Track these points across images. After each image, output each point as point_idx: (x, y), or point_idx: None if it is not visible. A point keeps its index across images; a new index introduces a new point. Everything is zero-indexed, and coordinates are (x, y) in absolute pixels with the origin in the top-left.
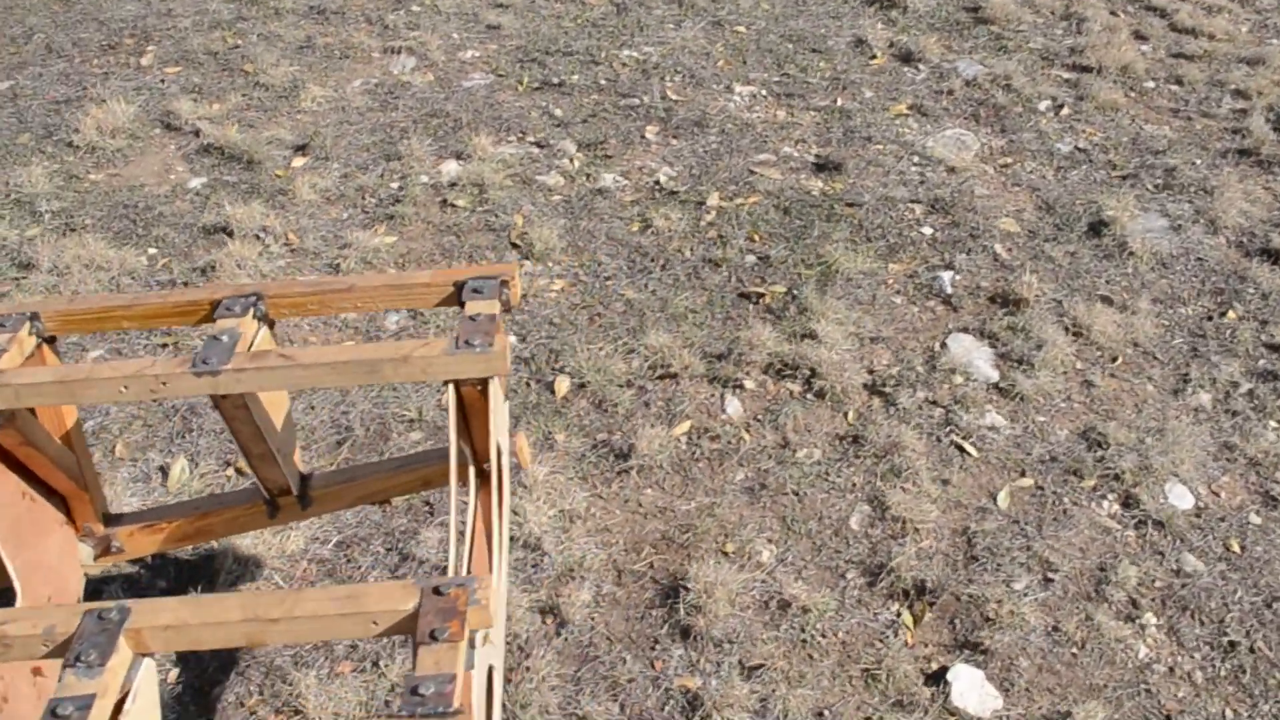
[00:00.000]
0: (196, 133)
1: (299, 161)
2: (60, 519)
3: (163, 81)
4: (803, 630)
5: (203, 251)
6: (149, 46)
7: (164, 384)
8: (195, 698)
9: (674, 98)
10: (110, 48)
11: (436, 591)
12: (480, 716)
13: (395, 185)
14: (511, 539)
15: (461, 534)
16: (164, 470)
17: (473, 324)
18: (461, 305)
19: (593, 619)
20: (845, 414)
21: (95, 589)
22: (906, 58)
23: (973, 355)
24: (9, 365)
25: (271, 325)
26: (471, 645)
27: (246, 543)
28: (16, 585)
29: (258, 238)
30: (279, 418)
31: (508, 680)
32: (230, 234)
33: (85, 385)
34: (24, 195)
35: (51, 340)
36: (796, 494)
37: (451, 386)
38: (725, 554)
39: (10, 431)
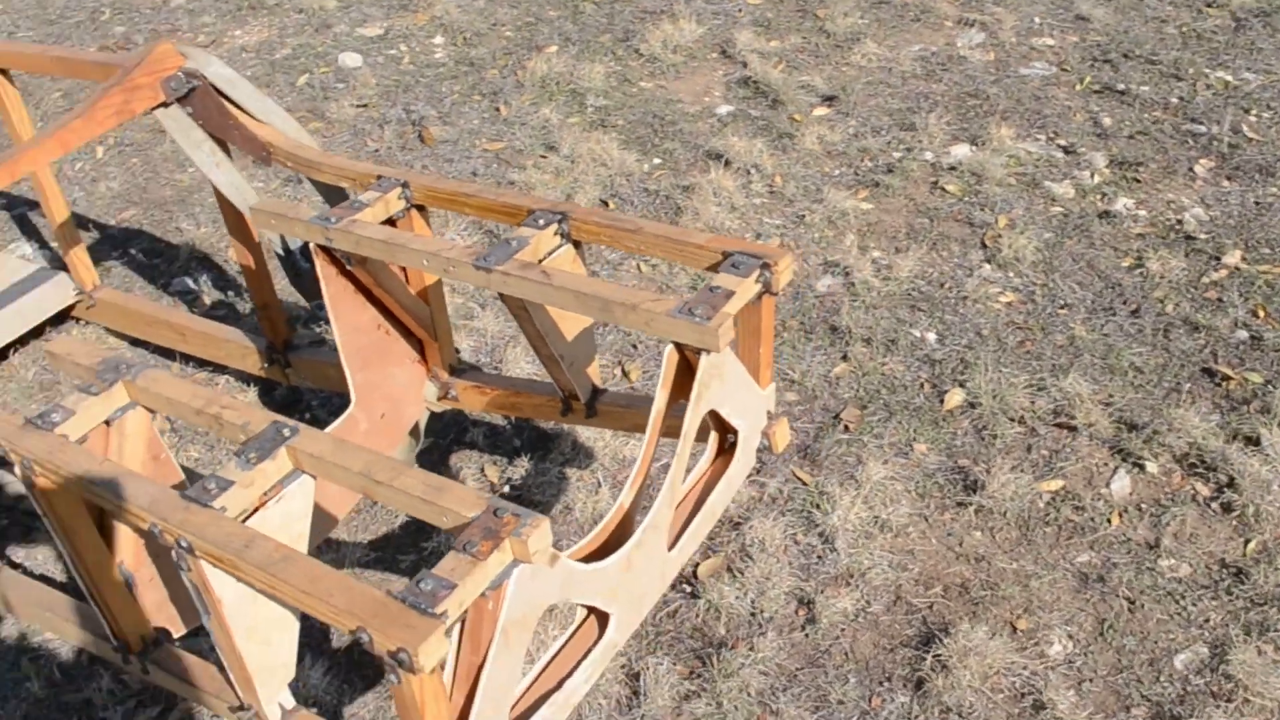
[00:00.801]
0: (744, 64)
1: (819, 111)
2: (413, 356)
3: (739, 10)
4: None
5: (697, 173)
6: None
7: (452, 268)
8: None
9: (1249, 135)
10: None
11: (495, 513)
12: (510, 652)
13: (896, 155)
14: (814, 526)
15: (630, 485)
16: None
17: (708, 294)
18: (715, 272)
19: (842, 629)
20: (1245, 541)
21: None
22: None
23: None
24: (368, 219)
25: (577, 246)
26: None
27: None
28: (352, 395)
29: (747, 173)
30: (571, 329)
31: (732, 647)
32: (727, 162)
33: (398, 250)
34: (580, 87)
35: (422, 209)
36: (1132, 602)
37: (671, 347)
38: (1013, 628)
39: (363, 271)
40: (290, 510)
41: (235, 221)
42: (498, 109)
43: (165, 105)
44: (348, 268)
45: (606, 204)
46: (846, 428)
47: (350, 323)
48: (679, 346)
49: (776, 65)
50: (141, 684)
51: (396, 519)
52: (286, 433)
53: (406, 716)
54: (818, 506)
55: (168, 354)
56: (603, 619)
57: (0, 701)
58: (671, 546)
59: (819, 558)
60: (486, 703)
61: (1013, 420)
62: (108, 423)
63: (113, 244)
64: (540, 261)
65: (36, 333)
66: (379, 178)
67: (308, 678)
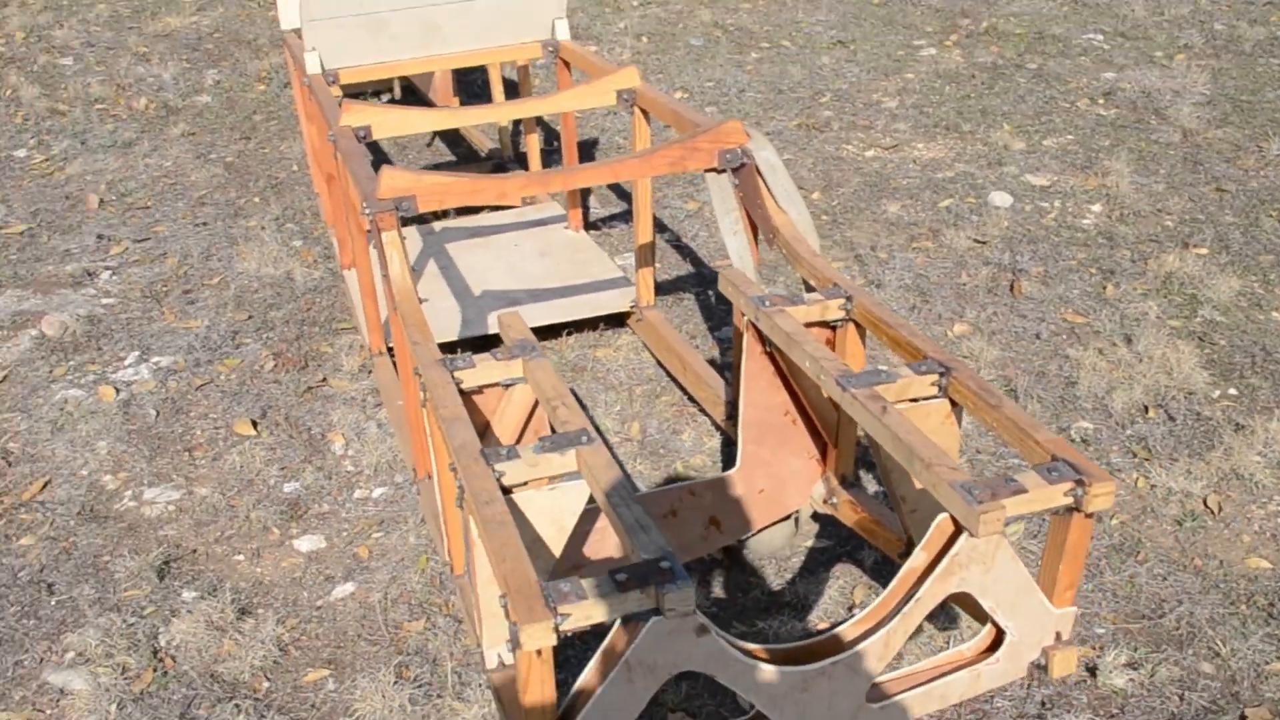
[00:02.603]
0: None
1: None
2: (813, 453)
3: None
4: None
5: (1260, 415)
6: None
7: (822, 375)
8: None
9: None
10: None
11: (659, 561)
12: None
13: None
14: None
15: None
16: None
17: (1001, 483)
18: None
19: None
20: None
21: None
22: None
23: None
24: (797, 314)
25: (955, 405)
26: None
27: None
28: (738, 460)
29: None
30: None
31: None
32: None
33: (793, 344)
34: (1202, 296)
35: (860, 327)
36: None
37: (945, 515)
38: None
39: (783, 358)
40: (559, 504)
41: None
42: (1105, 287)
43: (717, 171)
44: (768, 349)
45: (1147, 409)
46: None
47: (757, 399)
48: (953, 519)
49: None
50: None
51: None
52: (585, 440)
53: (519, 685)
54: None
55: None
56: None
57: None
58: (875, 702)
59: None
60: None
61: None
62: (506, 386)
63: (696, 282)
64: (899, 402)
65: (593, 324)
66: (835, 285)
67: None
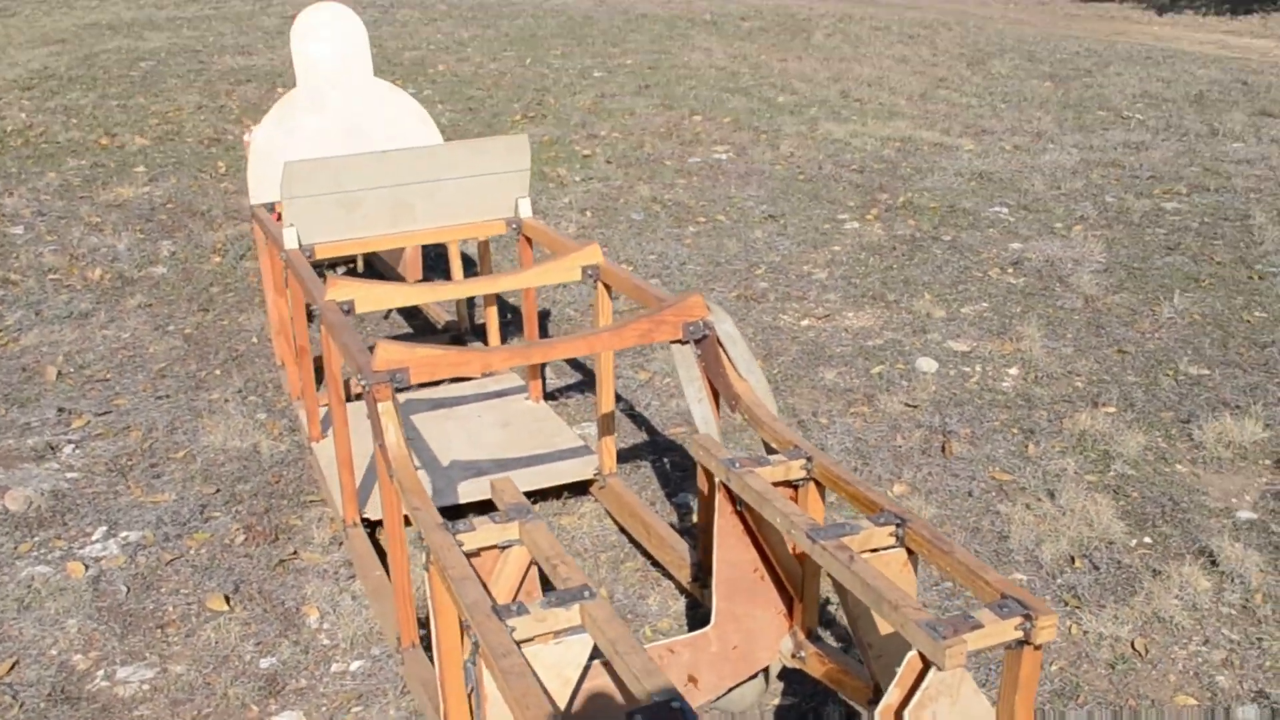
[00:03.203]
0: None
1: None
2: (780, 608)
3: None
4: None
5: (1174, 562)
6: None
7: (792, 530)
8: None
9: None
10: None
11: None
12: None
13: None
14: None
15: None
16: None
17: (962, 620)
18: None
19: None
20: None
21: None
22: None
23: None
24: (764, 474)
25: (911, 554)
26: None
27: None
28: (712, 618)
29: (1231, 578)
30: (886, 625)
31: None
32: (1213, 562)
33: (764, 503)
34: (1113, 451)
35: (820, 486)
36: None
37: (914, 653)
38: None
39: (752, 517)
40: (565, 657)
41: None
42: (1027, 446)
43: (681, 342)
44: (738, 509)
45: (1073, 560)
46: None
47: (729, 556)
48: (921, 655)
49: None
50: None
51: None
52: (586, 595)
53: None
54: None
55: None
56: None
57: None
58: None
59: None
60: None
61: None
62: (501, 548)
63: (657, 449)
64: (863, 552)
65: (556, 492)
66: (795, 446)
67: None
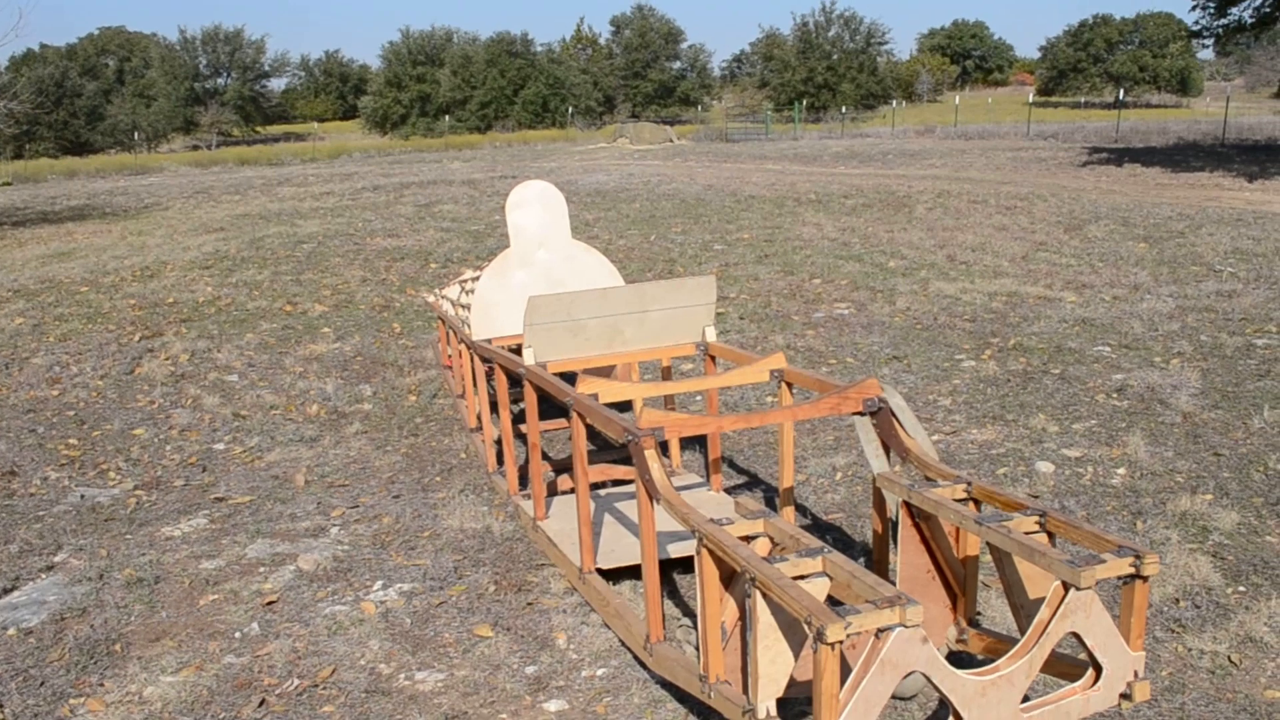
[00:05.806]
0: None
1: None
2: (947, 603)
3: None
4: None
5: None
6: None
7: (963, 520)
8: None
9: None
10: None
11: (895, 598)
12: (881, 681)
13: None
14: None
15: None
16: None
17: (1090, 559)
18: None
19: None
20: None
21: None
22: None
23: None
24: (937, 496)
25: (1050, 538)
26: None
27: None
28: None
29: None
30: (1036, 590)
31: None
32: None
33: (942, 507)
34: (1210, 525)
35: (978, 502)
36: None
37: (1058, 582)
38: None
39: (928, 528)
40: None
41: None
42: (1135, 523)
43: (860, 414)
44: (916, 522)
45: (1178, 600)
46: None
47: (910, 560)
48: (1064, 584)
49: None
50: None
51: None
52: (825, 550)
53: (817, 675)
54: None
55: None
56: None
57: None
58: (1026, 711)
59: None
60: (856, 707)
61: None
62: (750, 538)
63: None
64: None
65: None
66: (957, 477)
67: None
